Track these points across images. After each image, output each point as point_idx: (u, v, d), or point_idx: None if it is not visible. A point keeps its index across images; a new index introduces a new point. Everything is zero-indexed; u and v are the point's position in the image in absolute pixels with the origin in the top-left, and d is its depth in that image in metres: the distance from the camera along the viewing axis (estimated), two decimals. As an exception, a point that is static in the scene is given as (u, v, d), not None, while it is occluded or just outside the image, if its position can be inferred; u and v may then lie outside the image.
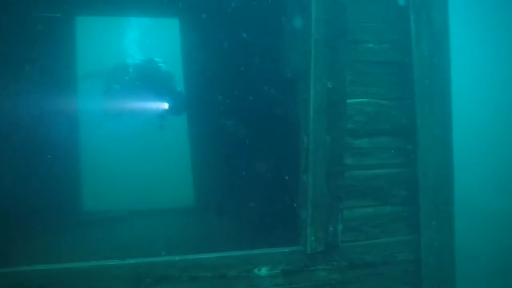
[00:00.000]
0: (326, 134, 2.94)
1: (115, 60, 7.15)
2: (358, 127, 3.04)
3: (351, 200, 3.04)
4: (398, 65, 3.08)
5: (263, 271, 2.90)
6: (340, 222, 2.98)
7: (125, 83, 6.56)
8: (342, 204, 2.99)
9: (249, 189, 4.96)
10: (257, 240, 3.41)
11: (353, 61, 3.01)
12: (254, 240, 3.49)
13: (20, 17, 5.28)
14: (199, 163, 6.10)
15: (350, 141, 3.02)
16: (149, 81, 6.66)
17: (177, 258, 2.83)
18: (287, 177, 3.94)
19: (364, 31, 3.03)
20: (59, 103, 5.49)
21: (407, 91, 3.06)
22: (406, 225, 3.11)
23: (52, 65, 5.42)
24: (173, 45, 6.51)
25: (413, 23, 3.01)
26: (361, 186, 3.06)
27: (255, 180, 4.86)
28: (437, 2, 3.02)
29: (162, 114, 6.57)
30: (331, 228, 2.96)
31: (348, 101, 3.00)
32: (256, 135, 4.92)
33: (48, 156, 5.31)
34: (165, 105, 6.42)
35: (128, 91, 6.45)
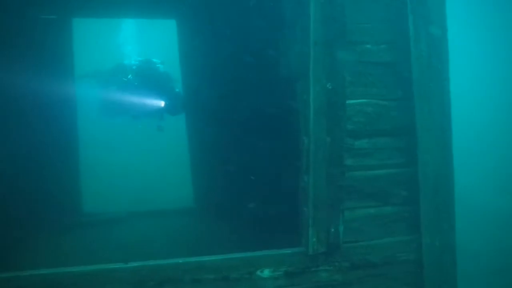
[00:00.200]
0: (327, 135, 2.95)
1: (113, 61, 7.15)
2: (358, 128, 3.05)
3: (352, 201, 3.05)
4: (397, 66, 3.09)
5: (266, 272, 2.91)
6: (342, 223, 2.99)
7: (123, 84, 6.56)
8: (343, 205, 3.00)
9: (249, 190, 4.97)
10: (258, 241, 3.42)
11: (352, 62, 3.02)
12: (255, 241, 3.50)
13: (16, 19, 5.26)
14: (199, 164, 6.11)
15: (350, 142, 3.03)
16: (147, 82, 6.67)
17: (180, 261, 2.84)
18: (287, 178, 3.94)
19: (362, 32, 3.04)
20: (57, 105, 5.48)
21: (406, 91, 3.07)
22: (407, 226, 3.12)
23: (49, 67, 5.41)
24: (171, 46, 6.51)
25: (411, 24, 3.02)
26: (361, 186, 3.07)
27: (254, 181, 4.87)
28: (435, 3, 3.03)
29: (161, 115, 6.58)
30: (332, 229, 2.97)
31: (347, 102, 3.01)
32: (256, 135, 4.92)
33: (47, 158, 5.30)
34: (164, 106, 6.43)
35: (127, 92, 6.45)
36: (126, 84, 6.55)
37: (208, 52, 5.60)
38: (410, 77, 3.05)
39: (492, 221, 8.24)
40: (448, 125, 3.09)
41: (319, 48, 2.92)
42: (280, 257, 2.96)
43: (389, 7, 3.06)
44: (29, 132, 5.23)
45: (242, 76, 5.12)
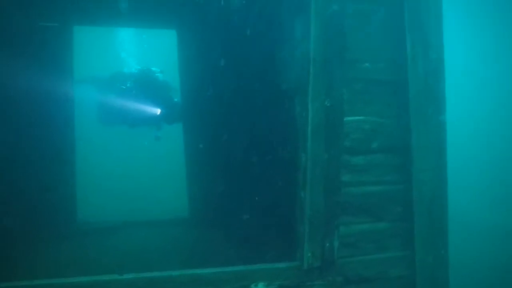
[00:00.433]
0: (324, 152, 2.99)
1: (112, 69, 7.17)
2: (355, 144, 3.09)
3: (348, 216, 3.08)
4: (394, 84, 3.14)
5: (260, 286, 2.92)
6: (337, 238, 3.02)
7: (121, 92, 6.58)
8: (339, 220, 3.03)
9: (245, 202, 4.98)
10: (252, 253, 3.44)
11: (351, 79, 3.07)
12: (249, 253, 3.52)
13: (18, 26, 5.29)
14: (194, 174, 6.11)
15: (347, 158, 3.07)
16: (145, 90, 6.68)
17: (175, 274, 2.85)
18: (283, 192, 3.97)
19: (361, 50, 3.09)
20: (55, 112, 5.49)
21: (403, 110, 3.13)
22: (401, 241, 3.15)
23: (49, 74, 5.43)
24: (170, 55, 6.55)
25: (409, 43, 3.08)
26: (357, 202, 3.11)
27: (250, 194, 4.88)
28: (433, 23, 3.10)
29: (159, 125, 6.59)
30: (327, 244, 2.99)
31: (345, 119, 3.05)
32: (253, 148, 4.95)
33: (43, 165, 5.30)
34: (162, 115, 6.44)
35: (125, 100, 6.46)
36: (125, 92, 6.56)
37: (207, 63, 5.64)
38: (407, 95, 3.10)
39: (485, 237, 8.29)
40: (444, 144, 3.14)
41: (318, 66, 2.97)
42: (275, 271, 2.98)
43: (388, 27, 3.12)
44: (25, 139, 5.23)
45: (241, 89, 5.17)
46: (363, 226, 3.12)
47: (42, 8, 5.21)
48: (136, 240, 4.92)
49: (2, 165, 4.97)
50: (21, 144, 5.21)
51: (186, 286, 2.82)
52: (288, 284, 2.97)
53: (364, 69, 3.11)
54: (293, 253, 3.18)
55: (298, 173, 3.11)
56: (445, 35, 3.14)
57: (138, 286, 2.76)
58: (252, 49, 4.90)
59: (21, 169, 5.16)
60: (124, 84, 6.82)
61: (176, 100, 6.46)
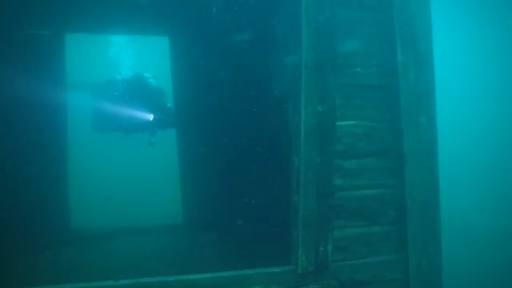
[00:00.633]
0: (317, 156, 3.02)
1: (105, 75, 7.16)
2: (348, 148, 3.13)
3: (341, 220, 3.11)
4: (386, 89, 3.19)
5: (255, 291, 2.94)
6: (330, 242, 3.04)
7: (114, 98, 6.57)
8: (332, 224, 3.06)
9: (238, 208, 4.99)
10: (246, 258, 3.45)
11: (343, 85, 3.12)
12: (244, 258, 3.53)
13: (9, 34, 5.28)
14: (188, 180, 6.12)
15: (339, 162, 3.11)
16: (138, 96, 6.68)
17: (170, 279, 2.86)
18: (277, 196, 4.00)
19: (352, 56, 3.14)
20: (47, 119, 5.48)
21: (395, 114, 3.17)
22: (394, 245, 3.19)
23: (41, 82, 5.42)
24: (163, 61, 6.56)
25: (399, 49, 3.13)
26: (350, 206, 3.14)
27: (244, 198, 4.90)
28: (422, 30, 3.15)
29: (153, 131, 6.59)
30: (321, 248, 3.02)
31: (337, 123, 3.09)
32: (246, 153, 4.97)
33: (35, 172, 5.27)
34: (155, 121, 6.44)
35: (118, 107, 6.45)
36: (118, 98, 6.56)
37: (200, 69, 5.67)
38: (398, 100, 3.15)
39: (479, 241, 8.35)
40: (435, 147, 3.18)
41: (311, 71, 3.01)
42: (270, 276, 3.00)
43: (378, 33, 3.18)
44: (17, 146, 5.21)
45: (234, 95, 5.20)
46: (357, 229, 3.15)
47: (33, 16, 5.21)
48: (131, 247, 4.90)
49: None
50: (13, 151, 5.19)
51: (182, 291, 2.82)
52: (283, 288, 2.99)
53: (356, 74, 3.16)
54: (287, 257, 3.20)
55: (291, 177, 3.14)
56: (438, 37, 3.20)
57: (134, 292, 2.76)
58: (245, 55, 4.94)
59: (13, 176, 5.14)
60: (117, 90, 6.81)
61: (169, 105, 6.46)
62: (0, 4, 4.70)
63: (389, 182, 3.20)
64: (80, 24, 5.61)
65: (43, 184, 5.34)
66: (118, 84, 6.94)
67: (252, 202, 4.70)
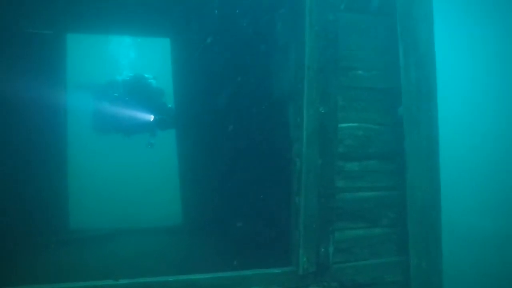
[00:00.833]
0: (318, 157, 3.02)
1: (106, 76, 7.16)
2: (349, 151, 3.13)
3: (342, 222, 3.11)
4: (387, 92, 3.20)
5: (256, 291, 2.93)
6: (332, 244, 3.04)
7: (115, 100, 6.57)
8: (333, 226, 3.06)
9: (238, 209, 4.99)
10: (246, 260, 3.44)
11: (345, 87, 3.13)
12: (243, 260, 3.52)
13: (11, 33, 5.29)
14: (188, 181, 6.11)
15: (341, 164, 3.11)
16: (139, 97, 6.69)
17: (170, 279, 2.85)
18: (277, 198, 4.00)
19: (355, 59, 3.15)
20: (47, 119, 5.47)
21: (396, 116, 3.18)
22: (395, 247, 3.19)
23: (42, 82, 5.42)
24: (164, 61, 6.57)
25: (401, 52, 3.14)
26: (351, 208, 3.14)
27: (244, 200, 4.90)
28: (424, 34, 3.17)
29: (153, 132, 6.59)
30: (322, 250, 3.02)
31: (339, 125, 3.09)
32: (247, 154, 4.97)
33: (35, 173, 5.26)
34: (156, 121, 6.45)
35: (118, 108, 6.46)
36: (119, 99, 6.56)
37: (201, 70, 5.68)
38: (400, 103, 3.16)
39: (479, 244, 8.36)
40: (436, 150, 3.19)
41: (313, 73, 3.02)
42: (270, 277, 2.99)
43: (381, 36, 3.19)
44: (17, 146, 5.20)
45: (234, 96, 5.20)
46: (358, 231, 3.15)
47: (35, 16, 5.22)
48: (130, 248, 4.90)
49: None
50: (12, 151, 5.18)
51: (182, 291, 2.81)
52: (283, 289, 2.98)
53: (358, 77, 3.17)
54: (287, 259, 3.19)
55: (292, 178, 3.14)
56: (439, 39, 3.21)
57: (134, 291, 2.75)
58: (246, 56, 4.95)
59: (12, 176, 5.13)
60: (118, 91, 6.81)
61: (169, 106, 6.47)
62: (1, 3, 4.71)
63: (390, 184, 3.20)
64: (82, 24, 5.62)
65: (43, 184, 5.34)
66: (118, 85, 6.95)
67: (252, 203, 4.70)
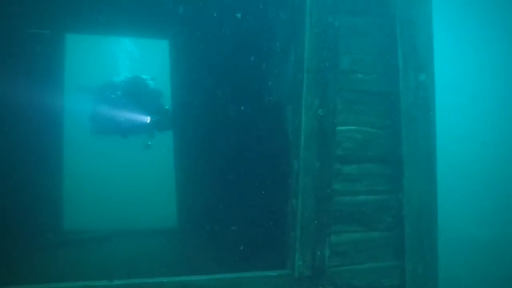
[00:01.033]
0: (316, 160, 3.01)
1: (104, 76, 7.15)
2: (347, 153, 3.12)
3: (339, 225, 3.10)
4: (386, 95, 3.20)
5: (251, 294, 2.90)
6: (328, 247, 3.02)
7: (112, 101, 6.56)
8: (330, 229, 3.05)
9: (235, 212, 4.96)
10: (241, 264, 3.42)
11: (344, 90, 3.12)
12: (238, 264, 3.50)
13: (9, 32, 5.26)
14: (184, 183, 6.09)
15: (338, 167, 3.10)
16: (136, 98, 6.67)
17: (165, 280, 2.82)
18: (274, 201, 3.98)
19: (354, 62, 3.15)
20: (43, 120, 5.44)
21: (394, 120, 3.18)
22: (391, 251, 3.17)
23: (40, 81, 5.39)
24: (162, 62, 6.57)
25: (400, 57, 3.15)
26: (348, 211, 3.12)
27: (241, 203, 4.87)
28: (423, 37, 3.17)
29: (151, 133, 6.57)
30: (318, 253, 3.00)
31: (338, 128, 3.09)
32: (244, 156, 4.96)
33: (29, 173, 5.22)
34: (153, 123, 6.43)
35: (116, 109, 6.44)
36: (116, 101, 6.55)
37: (199, 72, 5.67)
38: (398, 106, 3.15)
39: (474, 251, 8.36)
40: (434, 154, 3.19)
41: (312, 75, 3.02)
42: (266, 279, 2.97)
43: (380, 40, 3.19)
44: (11, 146, 5.17)
45: (232, 98, 5.19)
46: (355, 235, 3.13)
47: (34, 15, 5.20)
48: (125, 249, 4.86)
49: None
50: (7, 151, 5.14)
51: (177, 292, 2.79)
52: (279, 292, 2.96)
53: (357, 80, 3.16)
54: (282, 263, 3.17)
55: (289, 181, 3.12)
56: (438, 41, 3.22)
57: (128, 292, 2.72)
58: (244, 58, 4.94)
59: (6, 177, 5.08)
60: (115, 93, 6.80)
61: (167, 107, 6.46)
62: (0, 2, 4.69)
63: (387, 188, 3.19)
64: (81, 25, 5.61)
65: (37, 185, 5.29)
66: (116, 86, 6.94)
67: (248, 205, 4.67)
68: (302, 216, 2.99)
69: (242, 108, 5.05)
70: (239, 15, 4.72)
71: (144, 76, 6.90)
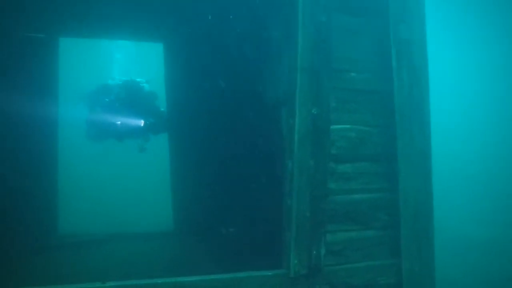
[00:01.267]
0: (310, 159, 3.00)
1: (99, 80, 7.14)
2: (341, 152, 3.12)
3: (334, 224, 3.08)
4: (380, 94, 3.20)
5: (247, 294, 2.88)
6: (323, 246, 3.01)
7: (108, 105, 6.55)
8: (325, 228, 3.03)
9: (230, 213, 4.95)
10: (237, 266, 3.40)
11: (337, 89, 3.12)
12: (234, 266, 3.47)
13: (4, 36, 5.25)
14: (179, 186, 6.07)
15: (333, 166, 3.09)
16: (131, 102, 6.66)
17: (159, 281, 2.80)
18: (269, 200, 3.97)
19: (348, 61, 3.15)
20: (38, 124, 5.42)
21: (388, 118, 3.18)
22: (387, 250, 3.16)
23: (33, 85, 5.38)
24: (157, 65, 6.57)
25: (394, 55, 3.15)
26: (343, 210, 3.11)
27: (236, 204, 4.87)
28: (417, 37, 3.18)
29: (146, 136, 6.56)
30: (314, 252, 2.99)
31: (332, 127, 3.08)
32: (239, 158, 4.95)
33: (24, 177, 5.20)
34: (148, 125, 6.42)
35: (111, 113, 6.43)
36: (111, 104, 6.54)
37: (194, 75, 5.67)
38: (392, 105, 3.16)
39: (473, 251, 8.36)
40: (428, 153, 3.19)
41: (306, 75, 3.01)
42: (261, 279, 2.95)
43: (373, 38, 3.19)
44: (5, 149, 5.14)
45: (226, 100, 5.19)
46: (350, 234, 3.12)
47: (27, 18, 5.19)
48: (119, 254, 4.83)
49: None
50: (1, 155, 5.11)
51: (171, 293, 2.76)
52: (274, 292, 2.94)
53: (351, 79, 3.16)
54: (278, 263, 3.15)
55: (284, 180, 3.11)
56: (432, 40, 3.23)
57: (122, 293, 2.70)
58: (238, 59, 4.95)
59: (1, 182, 5.05)
60: (109, 96, 6.79)
61: (162, 109, 6.45)
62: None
63: (382, 187, 3.19)
64: (75, 28, 5.60)
65: (32, 189, 5.27)
66: (111, 89, 6.93)
67: (244, 206, 4.66)
68: (297, 216, 2.97)
69: (237, 109, 5.05)
70: (232, 17, 4.73)
71: (138, 79, 6.90)
